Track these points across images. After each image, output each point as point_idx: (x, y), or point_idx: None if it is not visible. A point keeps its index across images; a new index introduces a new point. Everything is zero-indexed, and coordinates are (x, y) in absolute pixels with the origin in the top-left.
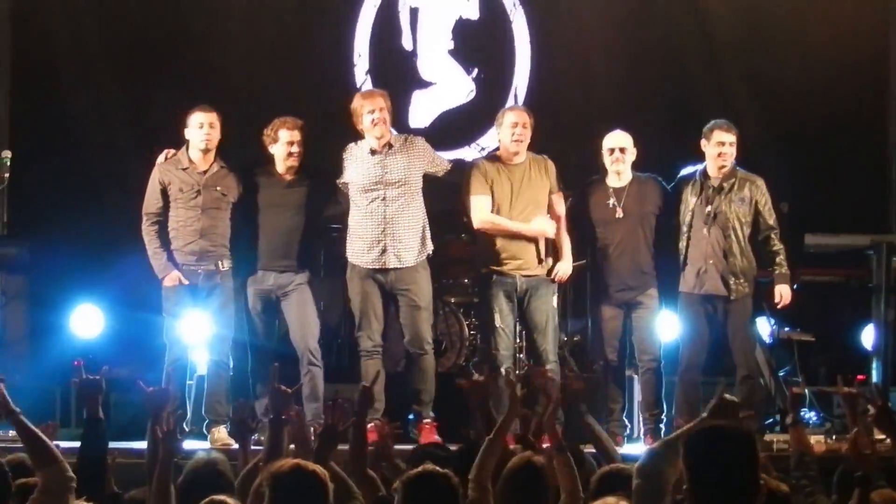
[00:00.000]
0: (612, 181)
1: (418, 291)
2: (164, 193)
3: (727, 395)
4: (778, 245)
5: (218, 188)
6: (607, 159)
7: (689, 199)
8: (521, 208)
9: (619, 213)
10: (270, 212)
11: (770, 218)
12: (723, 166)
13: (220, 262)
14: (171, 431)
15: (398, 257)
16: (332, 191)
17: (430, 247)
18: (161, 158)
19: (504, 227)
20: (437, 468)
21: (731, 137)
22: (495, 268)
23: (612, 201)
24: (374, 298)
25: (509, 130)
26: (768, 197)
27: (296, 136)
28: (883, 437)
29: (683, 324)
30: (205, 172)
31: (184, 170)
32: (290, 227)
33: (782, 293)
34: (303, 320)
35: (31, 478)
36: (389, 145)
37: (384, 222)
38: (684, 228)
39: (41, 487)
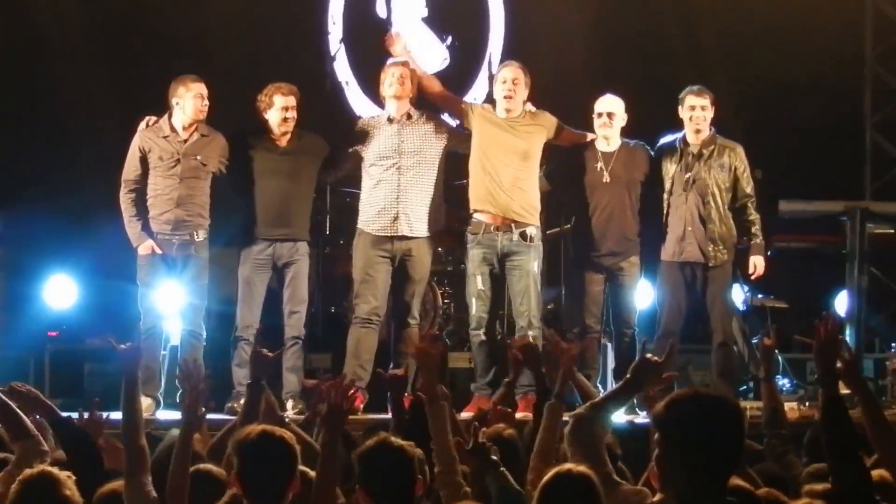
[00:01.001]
0: (601, 145)
1: (418, 265)
2: (144, 161)
3: (649, 356)
4: (753, 214)
5: (198, 157)
6: (596, 122)
7: (669, 167)
8: (503, 155)
9: (606, 178)
10: (265, 179)
11: (747, 186)
12: (697, 130)
13: (195, 233)
14: (192, 403)
15: (410, 226)
16: (327, 155)
17: (441, 223)
18: (142, 125)
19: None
20: (393, 439)
21: (702, 101)
22: (479, 214)
23: (599, 164)
24: (379, 268)
25: (500, 86)
26: (747, 164)
27: (290, 101)
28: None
29: (662, 291)
30: (185, 141)
31: (164, 137)
32: (286, 194)
33: (756, 263)
34: (296, 295)
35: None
36: (409, 116)
37: (398, 190)
38: (665, 196)
39: (16, 461)
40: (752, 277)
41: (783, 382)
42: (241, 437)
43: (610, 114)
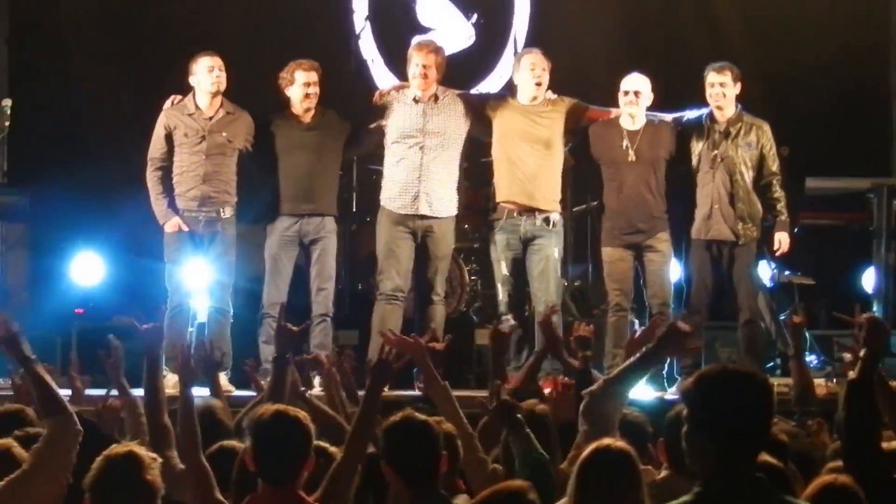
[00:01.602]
0: (626, 123)
1: (441, 242)
2: (169, 139)
3: (680, 323)
4: (779, 192)
5: (224, 134)
6: (622, 100)
7: (696, 144)
8: (527, 144)
9: (632, 156)
10: (290, 155)
11: (773, 164)
12: (719, 107)
13: (221, 209)
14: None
15: (430, 205)
16: (350, 131)
17: (460, 203)
18: (167, 104)
19: None
20: (418, 414)
21: (721, 78)
22: (504, 204)
23: (625, 142)
24: (402, 244)
25: (528, 73)
26: (773, 143)
27: (312, 76)
28: None
29: (689, 268)
30: (211, 118)
31: (189, 115)
32: (311, 169)
33: (781, 240)
34: (323, 272)
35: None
36: (436, 97)
37: (420, 169)
38: (694, 170)
39: (47, 437)
40: (777, 254)
41: (811, 359)
42: (255, 417)
43: (637, 92)
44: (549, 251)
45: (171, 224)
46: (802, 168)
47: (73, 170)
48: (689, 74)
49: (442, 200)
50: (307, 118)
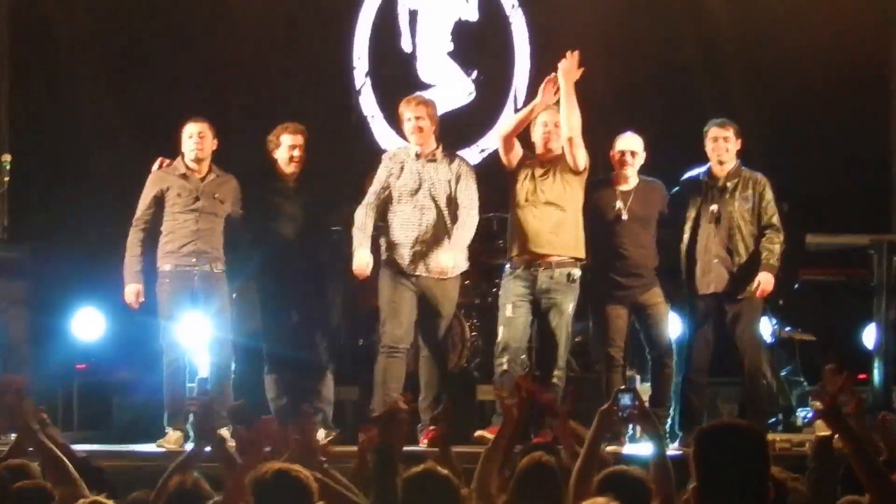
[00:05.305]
0: (620, 184)
1: (444, 300)
2: (159, 201)
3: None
4: (773, 240)
5: (216, 195)
6: (616, 162)
7: (695, 200)
8: (544, 202)
9: (625, 216)
10: (275, 217)
11: (773, 216)
12: (720, 161)
13: (214, 264)
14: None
15: (427, 267)
16: (334, 197)
17: (466, 263)
18: (155, 167)
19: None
20: (439, 468)
21: (724, 133)
22: (519, 258)
23: (618, 204)
24: (404, 297)
25: (541, 129)
26: (771, 196)
27: (298, 140)
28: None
29: (689, 325)
30: (203, 179)
31: (181, 176)
32: (294, 234)
33: (761, 280)
34: (320, 330)
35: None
36: (433, 156)
37: (418, 229)
38: (687, 229)
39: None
40: (758, 294)
41: (808, 413)
42: (257, 476)
43: (632, 152)
44: (566, 306)
45: (130, 290)
46: (803, 224)
47: (73, 226)
48: (692, 131)
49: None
50: (292, 182)
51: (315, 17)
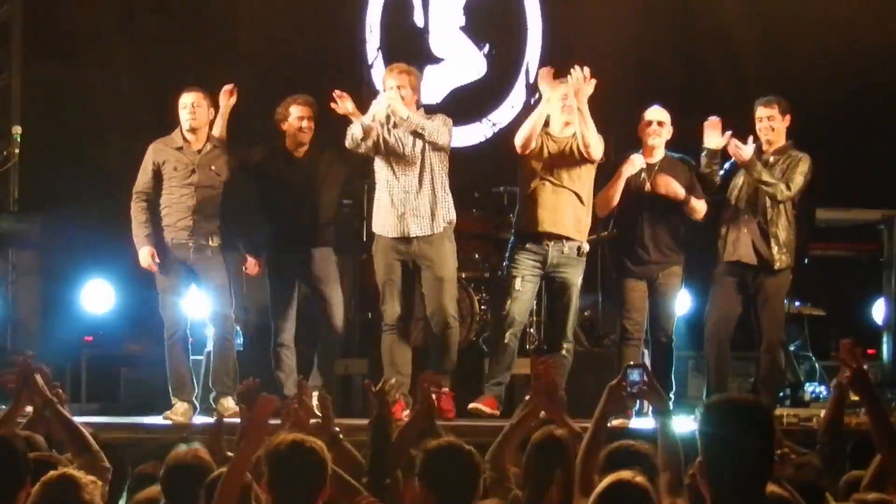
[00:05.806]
0: (646, 157)
1: (441, 263)
2: (157, 174)
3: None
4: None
5: (212, 167)
6: (645, 131)
7: (739, 175)
8: (563, 175)
9: (648, 188)
10: (283, 190)
11: (788, 178)
12: (769, 141)
13: (210, 238)
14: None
15: (419, 226)
16: (344, 166)
17: (452, 215)
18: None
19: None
20: (461, 442)
21: (768, 111)
22: (528, 231)
23: (643, 175)
24: (398, 271)
25: (563, 102)
26: (803, 169)
27: (306, 111)
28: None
29: (716, 293)
30: (199, 151)
31: (178, 149)
32: (304, 204)
33: (741, 145)
34: (329, 303)
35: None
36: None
37: (402, 190)
38: (732, 199)
39: None
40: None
41: (819, 389)
42: (271, 447)
43: (660, 122)
44: (574, 280)
45: (144, 253)
46: (813, 199)
47: (84, 197)
48: (704, 108)
49: (424, 217)
50: (300, 153)
51: None
